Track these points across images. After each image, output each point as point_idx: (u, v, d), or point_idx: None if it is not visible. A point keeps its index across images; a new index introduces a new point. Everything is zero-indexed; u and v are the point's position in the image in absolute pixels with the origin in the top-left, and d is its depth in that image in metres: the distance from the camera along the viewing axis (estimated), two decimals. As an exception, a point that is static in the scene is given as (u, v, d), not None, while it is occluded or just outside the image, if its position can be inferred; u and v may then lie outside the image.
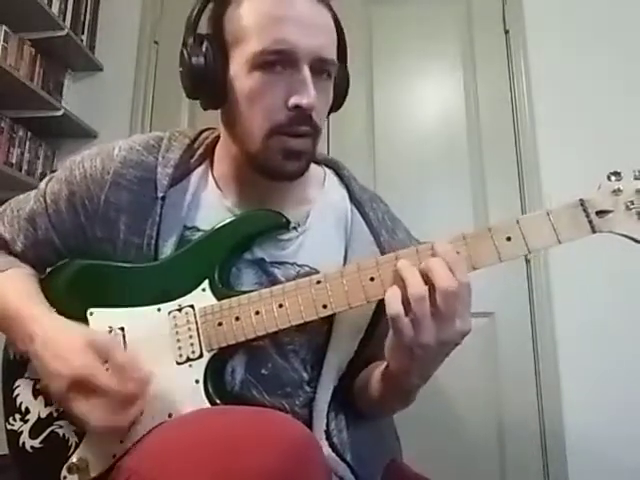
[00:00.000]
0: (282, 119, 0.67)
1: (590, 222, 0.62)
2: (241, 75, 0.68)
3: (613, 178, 0.63)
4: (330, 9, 0.71)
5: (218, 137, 0.80)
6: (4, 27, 1.67)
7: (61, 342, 0.62)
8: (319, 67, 0.68)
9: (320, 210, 0.79)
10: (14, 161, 1.75)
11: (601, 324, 1.64)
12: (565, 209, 0.63)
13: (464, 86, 1.89)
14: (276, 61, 0.66)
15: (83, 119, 1.91)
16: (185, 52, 0.69)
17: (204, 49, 0.69)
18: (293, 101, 0.65)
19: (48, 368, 0.61)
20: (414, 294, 0.58)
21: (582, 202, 0.62)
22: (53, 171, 1.91)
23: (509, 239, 0.62)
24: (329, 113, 0.78)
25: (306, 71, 0.66)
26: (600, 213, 0.62)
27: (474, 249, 0.63)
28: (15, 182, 1.72)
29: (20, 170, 1.77)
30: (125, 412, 0.59)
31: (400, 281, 0.60)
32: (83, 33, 1.98)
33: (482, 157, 1.82)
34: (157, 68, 2.03)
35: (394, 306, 0.58)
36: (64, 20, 1.86)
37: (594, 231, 0.62)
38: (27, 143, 1.82)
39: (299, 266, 0.75)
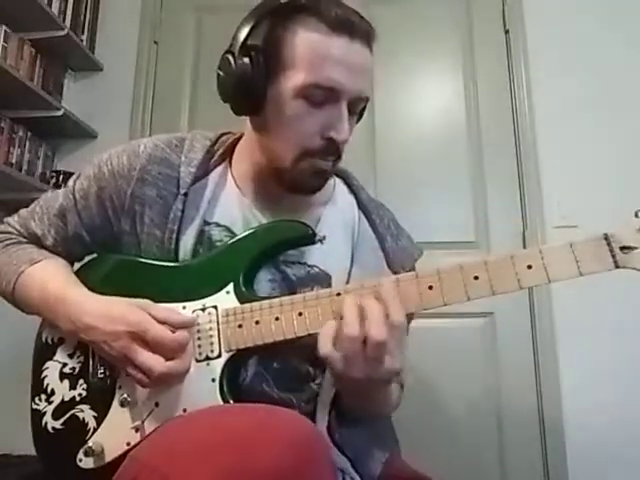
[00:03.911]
0: (315, 146, 0.72)
1: (614, 257, 0.62)
2: (286, 97, 0.71)
3: None
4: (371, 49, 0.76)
5: (237, 139, 0.84)
6: (4, 27, 1.67)
7: (110, 308, 0.68)
8: (356, 106, 0.74)
9: (330, 215, 0.83)
10: (14, 161, 1.74)
11: (601, 323, 1.65)
12: (588, 242, 0.63)
13: (464, 86, 1.89)
14: (322, 96, 0.71)
15: (83, 119, 1.91)
16: (231, 58, 0.72)
17: (251, 59, 0.71)
18: (330, 134, 0.71)
19: (106, 331, 0.66)
20: (347, 333, 0.60)
21: (606, 237, 0.63)
22: (53, 171, 1.92)
23: (530, 267, 0.63)
24: None
25: (345, 109, 0.72)
26: (625, 249, 0.62)
27: (494, 274, 0.64)
28: (15, 182, 1.72)
29: (20, 170, 1.77)
30: (179, 359, 0.66)
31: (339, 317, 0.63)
32: (83, 33, 1.98)
33: (482, 157, 1.83)
34: (157, 68, 2.02)
35: (324, 345, 0.62)
36: (64, 20, 1.86)
37: (617, 266, 0.62)
38: (27, 143, 1.82)
39: (309, 266, 0.78)
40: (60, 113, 1.79)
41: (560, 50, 1.85)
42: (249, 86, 0.71)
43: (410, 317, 0.82)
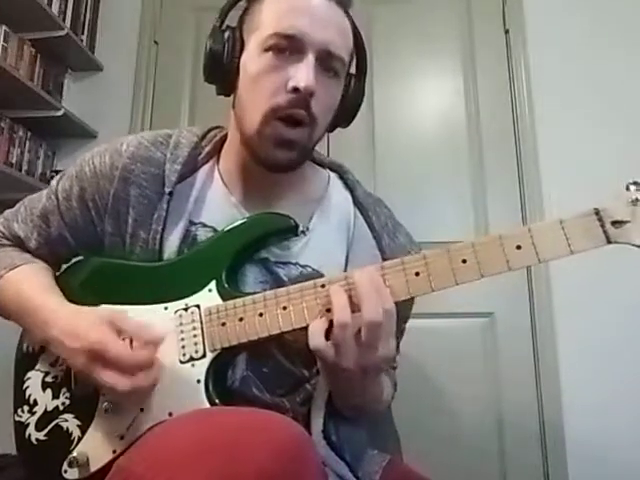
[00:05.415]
0: (281, 102, 0.69)
1: (605, 232, 0.59)
2: (253, 57, 0.71)
3: (632, 188, 0.60)
4: (348, 16, 0.75)
5: (226, 135, 0.82)
6: (4, 27, 1.67)
7: (77, 323, 0.65)
8: (326, 61, 0.70)
9: (324, 211, 0.80)
10: (14, 161, 1.75)
11: (601, 323, 1.65)
12: (579, 218, 0.60)
13: (464, 86, 1.89)
14: (286, 46, 0.69)
15: (83, 119, 1.91)
16: (208, 40, 0.74)
17: (225, 38, 0.73)
18: (291, 83, 0.68)
19: (68, 348, 0.64)
20: (338, 320, 0.59)
21: (597, 211, 0.60)
22: (53, 171, 1.92)
23: (519, 247, 0.61)
24: (336, 127, 0.80)
25: (310, 59, 0.69)
26: (616, 223, 0.59)
27: (482, 257, 0.61)
28: (15, 182, 1.72)
29: (20, 170, 1.77)
30: (143, 374, 0.62)
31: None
32: (83, 33, 1.98)
33: (482, 157, 1.82)
34: (157, 68, 2.02)
35: (315, 338, 0.61)
36: (64, 20, 1.86)
37: (609, 241, 0.59)
38: (27, 143, 1.82)
39: (302, 266, 0.76)
40: (60, 113, 1.79)
41: (560, 50, 1.85)
42: (220, 63, 0.73)
43: (406, 315, 0.81)
